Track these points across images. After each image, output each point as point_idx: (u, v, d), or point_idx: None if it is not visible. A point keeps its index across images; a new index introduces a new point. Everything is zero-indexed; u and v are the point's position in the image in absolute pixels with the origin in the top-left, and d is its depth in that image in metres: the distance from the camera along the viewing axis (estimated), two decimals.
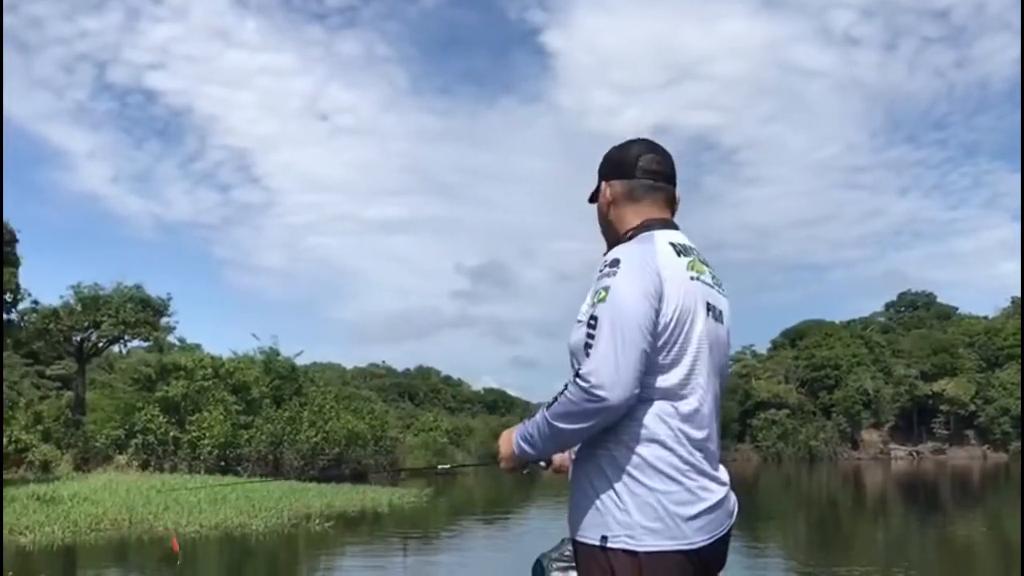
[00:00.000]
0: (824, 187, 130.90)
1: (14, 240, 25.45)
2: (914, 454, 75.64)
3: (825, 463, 69.40)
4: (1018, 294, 75.16)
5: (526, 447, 2.02)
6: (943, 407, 75.42)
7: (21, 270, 26.24)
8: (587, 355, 1.88)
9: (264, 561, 14.57)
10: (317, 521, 18.27)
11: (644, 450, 1.91)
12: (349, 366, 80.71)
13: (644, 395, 1.92)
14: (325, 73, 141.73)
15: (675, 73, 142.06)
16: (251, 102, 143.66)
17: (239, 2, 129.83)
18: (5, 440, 27.84)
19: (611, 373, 1.84)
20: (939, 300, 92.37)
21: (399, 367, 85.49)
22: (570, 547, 2.15)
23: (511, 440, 2.07)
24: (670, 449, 1.92)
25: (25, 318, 31.58)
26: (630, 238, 2.08)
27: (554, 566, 3.95)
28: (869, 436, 77.56)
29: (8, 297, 25.97)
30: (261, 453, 32.96)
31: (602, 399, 1.84)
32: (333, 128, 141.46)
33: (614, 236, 2.16)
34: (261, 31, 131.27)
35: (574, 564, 2.12)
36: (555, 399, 1.92)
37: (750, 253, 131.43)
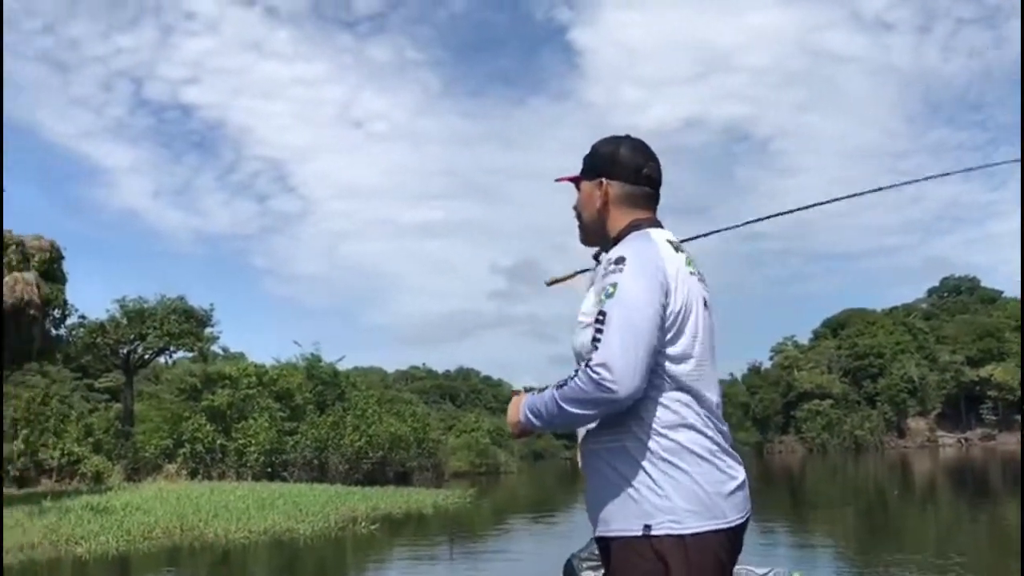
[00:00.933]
0: (862, 175, 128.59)
1: (60, 257, 26.01)
2: (962, 441, 74.34)
3: (871, 452, 68.45)
4: None
5: (533, 419, 2.05)
6: (991, 392, 74.04)
7: (67, 286, 26.82)
8: (595, 348, 1.91)
9: (313, 564, 14.76)
10: (363, 524, 18.46)
11: (678, 435, 1.96)
12: (390, 370, 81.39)
13: (667, 384, 1.97)
14: (357, 80, 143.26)
15: (704, 66, 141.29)
16: (285, 112, 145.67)
17: (270, 13, 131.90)
18: (59, 453, 28.67)
19: (621, 367, 1.87)
20: (983, 284, 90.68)
21: (439, 369, 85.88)
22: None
23: (519, 409, 2.09)
24: (701, 432, 1.98)
25: (73, 333, 32.24)
26: (623, 236, 2.11)
27: (584, 565, 4.00)
28: (916, 424, 76.39)
29: (56, 313, 26.54)
30: (306, 458, 33.34)
31: (612, 391, 1.87)
32: (367, 135, 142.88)
33: (600, 234, 2.20)
34: (292, 41, 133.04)
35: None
36: (565, 382, 1.95)
37: (788, 243, 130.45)
